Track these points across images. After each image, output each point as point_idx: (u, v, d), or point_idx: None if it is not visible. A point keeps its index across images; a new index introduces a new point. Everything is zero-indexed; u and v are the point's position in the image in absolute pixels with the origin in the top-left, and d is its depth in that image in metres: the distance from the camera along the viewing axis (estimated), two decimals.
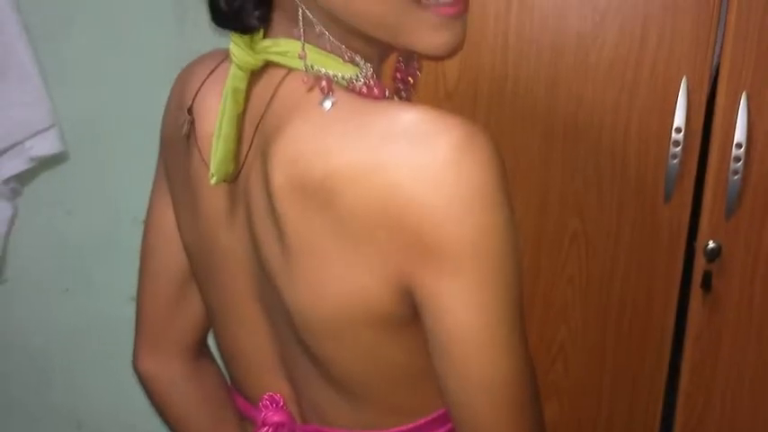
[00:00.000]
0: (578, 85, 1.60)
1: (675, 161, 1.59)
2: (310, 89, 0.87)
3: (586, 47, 1.59)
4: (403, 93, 1.03)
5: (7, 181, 1.93)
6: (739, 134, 1.56)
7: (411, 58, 1.02)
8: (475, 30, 1.59)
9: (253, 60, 0.91)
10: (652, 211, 1.63)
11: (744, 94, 1.55)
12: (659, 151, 1.60)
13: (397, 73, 1.02)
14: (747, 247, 1.61)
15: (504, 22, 1.60)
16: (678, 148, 1.58)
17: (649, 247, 1.65)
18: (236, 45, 0.91)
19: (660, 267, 1.65)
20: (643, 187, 1.62)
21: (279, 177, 0.85)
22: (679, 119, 1.58)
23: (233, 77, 0.91)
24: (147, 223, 1.16)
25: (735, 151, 1.57)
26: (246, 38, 0.91)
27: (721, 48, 1.56)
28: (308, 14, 0.87)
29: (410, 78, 1.03)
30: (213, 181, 0.91)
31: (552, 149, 1.64)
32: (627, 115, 1.60)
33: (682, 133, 1.58)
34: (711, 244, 1.61)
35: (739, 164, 1.57)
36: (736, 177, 1.58)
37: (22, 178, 1.99)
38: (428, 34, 0.87)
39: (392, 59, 0.99)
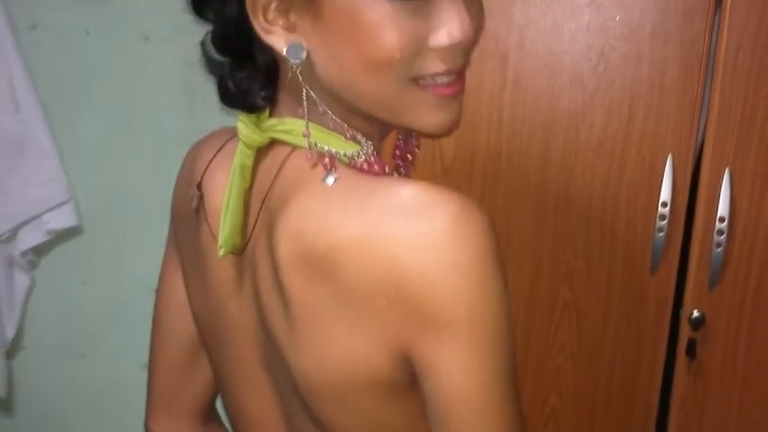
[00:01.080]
0: (569, 160, 1.67)
1: (662, 234, 1.65)
2: (314, 165, 0.90)
3: (577, 125, 1.66)
4: (402, 169, 1.07)
5: (25, 253, 2.00)
6: (722, 208, 1.63)
7: (410, 135, 1.06)
8: (470, 108, 1.64)
9: (259, 138, 0.95)
10: (639, 281, 1.69)
11: (726, 169, 1.62)
12: (646, 224, 1.67)
13: (396, 150, 1.06)
14: (730, 316, 1.68)
15: (499, 100, 1.66)
16: (664, 222, 1.65)
17: (637, 315, 1.71)
18: (243, 123, 0.95)
19: (647, 335, 1.71)
20: (631, 258, 1.69)
21: (284, 249, 0.88)
22: (665, 194, 1.64)
23: (240, 154, 0.95)
24: (159, 293, 1.20)
25: (718, 225, 1.64)
26: (253, 117, 0.95)
27: (705, 126, 1.63)
28: (312, 94, 0.92)
29: (409, 155, 1.08)
30: (221, 253, 0.95)
31: (544, 222, 1.70)
32: (615, 190, 1.67)
33: (668, 207, 1.65)
34: (696, 313, 1.68)
35: (722, 237, 1.64)
36: (719, 249, 1.65)
37: (40, 250, 2.07)
38: (427, 114, 0.91)
39: (392, 137, 1.03)
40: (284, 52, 0.90)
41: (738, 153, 1.63)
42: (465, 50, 0.91)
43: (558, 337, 1.74)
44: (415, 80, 0.89)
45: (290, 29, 0.90)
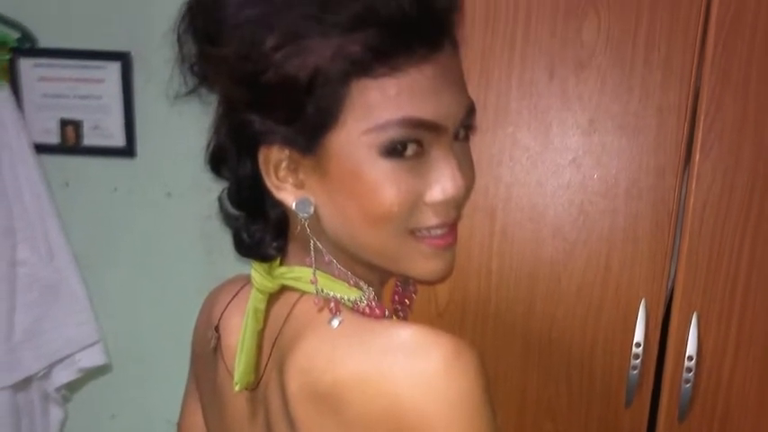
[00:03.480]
0: (551, 305, 1.80)
1: (635, 372, 1.79)
2: (321, 309, 0.97)
3: (558, 273, 1.79)
4: (401, 312, 1.17)
5: (59, 389, 2.14)
6: (691, 348, 1.77)
7: (408, 282, 1.16)
8: (462, 257, 1.76)
9: (271, 285, 1.03)
10: (615, 415, 1.82)
11: (695, 313, 1.77)
12: (621, 363, 1.80)
13: (395, 295, 1.17)
14: None
15: (488, 250, 1.79)
16: (638, 361, 1.79)
17: None
18: (256, 271, 1.04)
19: None
20: (608, 394, 1.81)
21: (293, 385, 0.93)
22: (638, 335, 1.78)
23: (254, 299, 1.04)
24: (180, 424, 1.29)
25: (687, 363, 1.78)
26: (265, 265, 1.04)
27: (675, 272, 1.78)
28: (318, 245, 0.99)
29: (407, 300, 1.17)
30: (237, 388, 1.03)
31: (529, 361, 1.82)
32: (594, 332, 1.80)
33: (641, 347, 1.78)
34: None
35: (691, 374, 1.78)
36: (687, 386, 1.79)
37: (72, 386, 2.24)
38: (422, 263, 0.99)
39: (391, 283, 1.13)
40: (294, 207, 0.98)
41: (705, 297, 1.77)
42: (458, 205, 0.99)
43: None
44: (412, 232, 0.97)
45: (299, 185, 0.97)
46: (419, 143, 0.94)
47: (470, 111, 0.99)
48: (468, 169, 1.01)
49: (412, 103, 0.92)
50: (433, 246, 0.99)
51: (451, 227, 1.00)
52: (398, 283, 1.17)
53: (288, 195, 0.98)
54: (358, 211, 0.95)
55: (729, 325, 1.79)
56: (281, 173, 0.98)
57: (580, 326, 1.81)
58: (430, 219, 0.97)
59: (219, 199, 1.08)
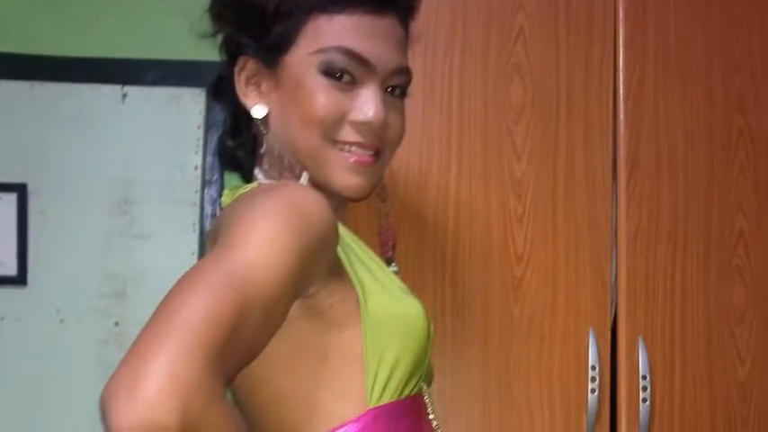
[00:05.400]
0: (509, 334, 1.88)
1: (594, 395, 1.84)
2: None
3: (510, 306, 1.90)
4: (390, 252, 1.44)
5: None
6: (643, 368, 1.86)
7: (386, 234, 1.45)
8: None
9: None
10: None
11: (640, 337, 1.88)
12: (579, 389, 1.86)
13: (380, 236, 1.45)
14: None
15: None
16: (595, 383, 1.84)
17: None
18: (226, 196, 1.29)
19: None
20: (568, 423, 1.87)
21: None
22: (592, 358, 1.86)
23: None
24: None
25: (642, 382, 1.85)
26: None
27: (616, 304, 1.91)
28: (272, 141, 1.29)
29: (390, 241, 1.46)
30: None
31: (491, 394, 1.88)
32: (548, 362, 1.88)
33: (596, 370, 1.85)
34: None
35: (647, 392, 1.85)
36: (645, 404, 1.85)
37: None
38: (342, 174, 1.25)
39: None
40: (252, 110, 1.28)
41: (648, 322, 1.90)
42: (377, 134, 1.25)
43: None
44: (336, 143, 1.24)
45: (260, 96, 1.28)
46: (352, 76, 1.24)
47: (403, 69, 1.30)
48: (396, 118, 1.29)
49: (351, 38, 1.23)
50: (351, 161, 1.24)
51: (373, 153, 1.26)
52: (381, 226, 1.44)
53: (250, 101, 1.29)
54: (296, 116, 1.24)
55: (673, 346, 1.90)
56: (251, 84, 1.30)
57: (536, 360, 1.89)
58: (351, 135, 1.24)
59: (220, 137, 1.41)
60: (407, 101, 1.35)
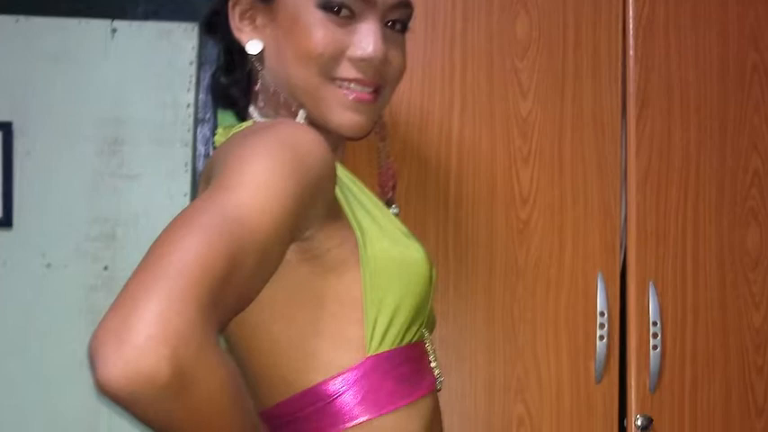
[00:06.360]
0: (514, 279, 1.82)
1: (603, 342, 1.77)
2: None
3: (515, 250, 1.83)
4: (390, 193, 1.37)
5: None
6: (653, 314, 1.80)
7: (386, 175, 1.39)
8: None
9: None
10: (586, 393, 1.80)
11: (650, 282, 1.81)
12: (587, 336, 1.80)
13: (380, 177, 1.38)
14: (672, 416, 1.80)
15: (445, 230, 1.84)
16: (604, 330, 1.78)
17: (587, 426, 1.79)
18: (220, 135, 1.24)
19: None
20: (577, 370, 1.81)
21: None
22: (601, 304, 1.79)
23: None
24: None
25: (652, 328, 1.80)
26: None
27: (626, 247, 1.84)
28: (267, 78, 1.23)
29: (390, 182, 1.40)
30: None
31: (496, 342, 1.82)
32: (555, 308, 1.82)
33: (605, 316, 1.79)
34: (641, 419, 1.78)
35: (657, 339, 1.79)
36: (656, 351, 1.79)
37: None
38: (340, 111, 1.20)
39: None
40: (247, 46, 1.22)
41: (659, 267, 1.83)
42: (377, 70, 1.20)
43: None
44: (334, 80, 1.18)
45: (255, 31, 1.22)
46: (350, 10, 1.18)
47: (403, 3, 1.24)
48: (396, 54, 1.24)
49: None
50: (350, 98, 1.19)
51: (373, 91, 1.21)
52: (380, 166, 1.37)
53: (244, 36, 1.23)
54: (292, 51, 1.18)
55: (685, 291, 1.84)
56: (245, 18, 1.23)
57: (542, 304, 1.82)
58: (349, 71, 1.18)
59: (213, 75, 1.34)
60: (408, 36, 1.30)
